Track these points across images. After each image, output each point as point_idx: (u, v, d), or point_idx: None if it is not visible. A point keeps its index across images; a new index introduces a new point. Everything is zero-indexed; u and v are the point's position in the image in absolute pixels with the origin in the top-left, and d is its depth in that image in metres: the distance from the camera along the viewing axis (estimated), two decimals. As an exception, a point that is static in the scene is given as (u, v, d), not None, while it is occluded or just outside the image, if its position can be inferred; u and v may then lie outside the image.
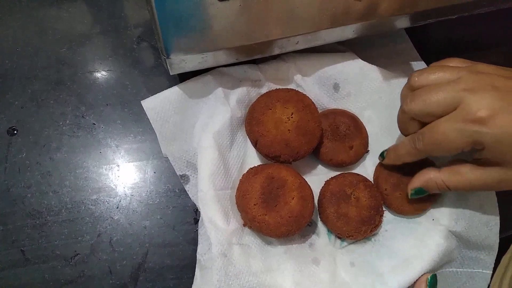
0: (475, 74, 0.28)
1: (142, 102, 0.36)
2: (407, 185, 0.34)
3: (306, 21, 0.31)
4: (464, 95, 0.27)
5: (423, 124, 0.30)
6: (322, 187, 0.36)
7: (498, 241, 0.35)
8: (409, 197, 0.33)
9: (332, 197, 0.34)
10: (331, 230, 0.35)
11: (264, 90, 0.38)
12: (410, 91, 0.31)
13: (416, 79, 0.30)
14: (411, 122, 0.31)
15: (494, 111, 0.26)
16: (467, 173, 0.30)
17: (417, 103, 0.29)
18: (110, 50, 0.40)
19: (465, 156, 0.30)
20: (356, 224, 0.34)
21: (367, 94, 0.38)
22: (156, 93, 0.36)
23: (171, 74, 0.33)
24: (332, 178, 0.36)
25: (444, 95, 0.28)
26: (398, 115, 0.32)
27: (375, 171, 0.37)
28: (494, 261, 0.35)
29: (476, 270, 0.35)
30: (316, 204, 0.36)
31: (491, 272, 0.35)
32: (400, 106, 0.32)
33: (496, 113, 0.26)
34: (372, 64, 0.38)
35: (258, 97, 0.36)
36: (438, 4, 0.34)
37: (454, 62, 0.31)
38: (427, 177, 0.32)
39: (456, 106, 0.27)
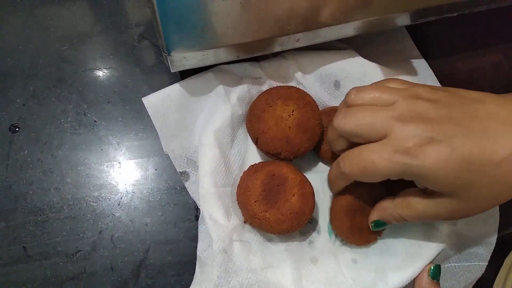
0: (409, 100, 0.27)
1: (143, 99, 0.36)
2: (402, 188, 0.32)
3: (307, 19, 0.31)
4: (394, 124, 0.26)
5: (352, 144, 0.29)
6: (336, 197, 0.34)
7: (496, 236, 0.35)
8: (371, 229, 0.33)
9: (348, 211, 0.33)
10: (345, 240, 0.35)
11: (265, 87, 0.38)
12: (345, 107, 0.30)
13: (353, 96, 0.29)
14: (340, 139, 0.30)
15: (423, 142, 0.25)
16: (418, 205, 0.28)
17: (348, 122, 0.28)
18: (111, 48, 0.40)
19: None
20: (369, 234, 0.34)
21: (367, 91, 0.38)
22: (157, 91, 0.36)
23: (172, 71, 0.33)
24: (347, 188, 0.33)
25: (375, 121, 0.27)
26: (328, 128, 0.31)
27: None
28: (490, 254, 0.35)
29: (473, 263, 0.35)
30: (329, 214, 0.35)
31: (487, 263, 0.35)
32: (331, 121, 0.30)
33: (425, 144, 0.25)
34: (372, 61, 0.38)
35: (259, 95, 0.36)
36: (438, 2, 0.34)
37: (395, 83, 0.29)
38: (383, 210, 0.31)
39: (386, 134, 0.26)
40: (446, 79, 0.41)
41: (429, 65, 0.41)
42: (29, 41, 0.40)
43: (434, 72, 0.41)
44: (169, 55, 0.31)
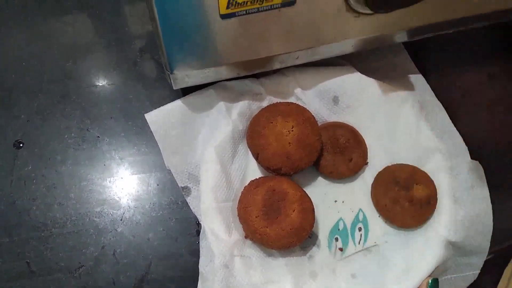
0: None
1: (145, 115, 0.36)
2: (405, 198, 0.35)
3: (306, 38, 0.32)
4: None
5: None
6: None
7: (489, 245, 0.36)
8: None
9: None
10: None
11: (265, 103, 0.38)
12: None
13: None
14: None
15: None
16: None
17: None
18: (114, 63, 0.41)
19: None
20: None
21: (366, 106, 0.39)
22: (159, 106, 0.37)
23: (174, 88, 0.34)
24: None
25: None
26: None
27: (371, 188, 0.38)
28: (483, 262, 0.36)
29: (468, 273, 0.36)
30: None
31: (479, 271, 0.36)
32: None
33: None
34: (370, 77, 0.39)
35: (259, 111, 0.37)
36: (435, 20, 0.35)
37: None
38: None
39: None
40: (443, 93, 0.42)
41: (426, 80, 0.42)
42: (33, 57, 0.40)
43: (431, 86, 0.42)
44: (171, 73, 0.31)
